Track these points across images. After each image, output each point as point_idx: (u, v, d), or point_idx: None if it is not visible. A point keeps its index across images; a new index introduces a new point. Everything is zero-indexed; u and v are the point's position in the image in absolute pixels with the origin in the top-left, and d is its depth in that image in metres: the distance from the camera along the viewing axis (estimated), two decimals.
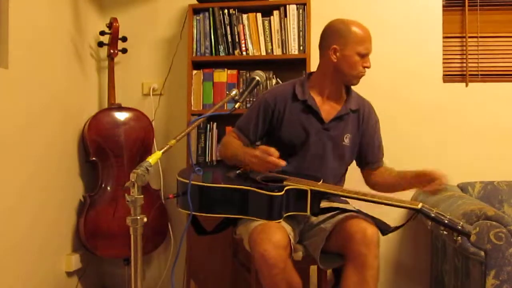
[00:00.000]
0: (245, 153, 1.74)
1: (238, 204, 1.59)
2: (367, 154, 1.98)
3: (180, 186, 1.69)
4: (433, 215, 1.53)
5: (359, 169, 2.04)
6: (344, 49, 1.82)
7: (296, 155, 1.89)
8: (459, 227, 1.50)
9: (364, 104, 1.99)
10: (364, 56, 1.83)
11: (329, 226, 1.65)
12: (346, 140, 1.91)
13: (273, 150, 1.63)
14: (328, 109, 1.90)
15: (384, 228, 1.68)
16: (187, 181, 1.58)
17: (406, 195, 2.59)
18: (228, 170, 1.83)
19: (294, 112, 1.89)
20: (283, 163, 1.63)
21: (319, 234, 1.69)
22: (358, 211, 1.72)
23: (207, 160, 2.55)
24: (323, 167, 1.88)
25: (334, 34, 1.85)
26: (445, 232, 1.55)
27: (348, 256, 1.59)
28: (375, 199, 1.60)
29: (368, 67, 1.86)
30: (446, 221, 1.51)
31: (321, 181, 1.73)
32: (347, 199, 1.87)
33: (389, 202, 1.60)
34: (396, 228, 1.72)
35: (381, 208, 1.63)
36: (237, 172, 1.78)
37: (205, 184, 1.62)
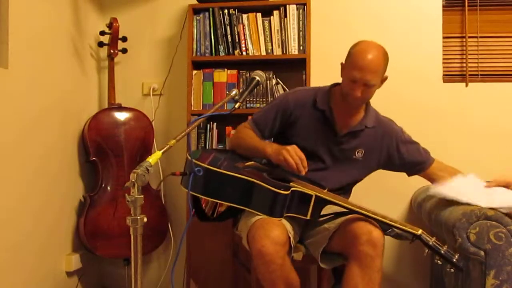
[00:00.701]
0: (270, 145, 1.80)
1: (243, 195, 1.61)
2: (416, 161, 2.01)
3: (188, 165, 1.69)
4: (431, 243, 1.57)
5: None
6: (343, 69, 1.85)
7: None
8: (454, 260, 1.56)
9: (383, 122, 1.99)
10: (353, 81, 1.77)
11: (333, 226, 1.66)
12: (358, 154, 1.92)
13: (303, 156, 1.70)
14: (344, 123, 1.91)
15: (384, 228, 1.69)
16: (201, 163, 1.57)
17: (404, 198, 2.61)
18: (236, 161, 1.84)
19: (310, 119, 1.90)
20: (303, 172, 1.69)
21: (322, 233, 1.69)
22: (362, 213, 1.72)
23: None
24: (329, 178, 1.87)
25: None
26: (439, 262, 1.59)
27: (353, 256, 1.58)
28: (378, 217, 1.63)
29: (353, 95, 1.78)
30: (442, 252, 1.56)
31: (326, 189, 1.74)
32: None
33: (391, 222, 1.62)
34: (397, 236, 1.74)
35: None
36: (246, 164, 1.79)
37: (216, 169, 1.62)
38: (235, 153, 1.96)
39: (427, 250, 1.60)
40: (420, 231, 1.59)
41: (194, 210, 1.82)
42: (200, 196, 1.66)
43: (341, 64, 1.88)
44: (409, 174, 2.07)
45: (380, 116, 2.01)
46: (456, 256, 1.57)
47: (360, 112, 1.94)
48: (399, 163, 2.00)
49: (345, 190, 1.97)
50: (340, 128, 1.90)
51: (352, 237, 1.58)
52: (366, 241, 1.55)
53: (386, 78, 1.86)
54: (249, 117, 2.05)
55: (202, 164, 1.60)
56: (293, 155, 1.69)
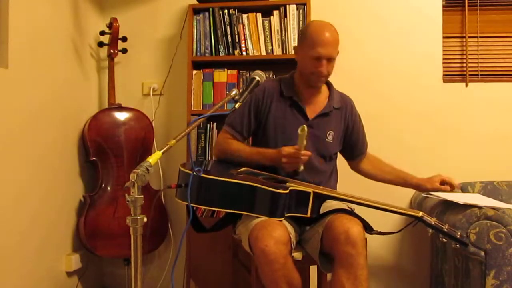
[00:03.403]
0: (263, 156, 1.83)
1: (243, 200, 1.60)
2: (356, 148, 2.08)
3: (182, 177, 1.69)
4: (433, 223, 1.63)
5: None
6: (300, 50, 1.91)
7: None
8: (458, 236, 1.65)
9: (347, 101, 2.05)
10: (318, 59, 1.83)
11: (320, 228, 1.66)
12: (329, 137, 1.95)
13: (293, 150, 1.73)
14: (312, 107, 1.95)
15: (370, 227, 1.70)
16: (193, 173, 1.56)
17: (404, 197, 2.61)
18: (227, 168, 1.83)
19: (280, 107, 1.93)
20: (309, 153, 1.74)
21: (313, 236, 1.69)
22: (344, 210, 1.72)
23: (206, 159, 2.55)
24: (307, 164, 1.86)
25: (299, 35, 1.96)
26: (444, 239, 1.69)
27: (336, 257, 1.58)
28: (377, 205, 1.64)
29: (319, 72, 1.84)
30: (445, 230, 1.63)
31: (321, 187, 1.74)
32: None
33: (391, 209, 1.65)
34: (391, 232, 1.77)
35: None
36: (239, 170, 1.79)
37: (212, 177, 1.61)
38: (221, 162, 1.96)
39: (431, 231, 1.65)
40: (420, 213, 1.63)
41: (192, 223, 1.82)
42: (199, 206, 1.65)
43: (295, 47, 1.96)
44: (349, 158, 2.13)
45: (344, 96, 2.07)
46: (459, 232, 1.64)
47: (324, 93, 1.99)
48: (351, 144, 2.06)
49: (327, 176, 1.98)
50: (310, 113, 1.93)
51: (332, 238, 1.58)
52: (345, 240, 1.54)
53: (338, 52, 1.90)
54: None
55: (203, 175, 1.59)
56: (295, 154, 1.72)
